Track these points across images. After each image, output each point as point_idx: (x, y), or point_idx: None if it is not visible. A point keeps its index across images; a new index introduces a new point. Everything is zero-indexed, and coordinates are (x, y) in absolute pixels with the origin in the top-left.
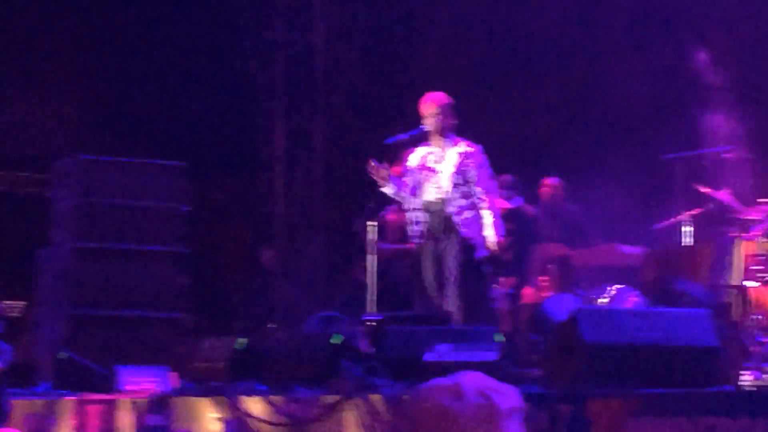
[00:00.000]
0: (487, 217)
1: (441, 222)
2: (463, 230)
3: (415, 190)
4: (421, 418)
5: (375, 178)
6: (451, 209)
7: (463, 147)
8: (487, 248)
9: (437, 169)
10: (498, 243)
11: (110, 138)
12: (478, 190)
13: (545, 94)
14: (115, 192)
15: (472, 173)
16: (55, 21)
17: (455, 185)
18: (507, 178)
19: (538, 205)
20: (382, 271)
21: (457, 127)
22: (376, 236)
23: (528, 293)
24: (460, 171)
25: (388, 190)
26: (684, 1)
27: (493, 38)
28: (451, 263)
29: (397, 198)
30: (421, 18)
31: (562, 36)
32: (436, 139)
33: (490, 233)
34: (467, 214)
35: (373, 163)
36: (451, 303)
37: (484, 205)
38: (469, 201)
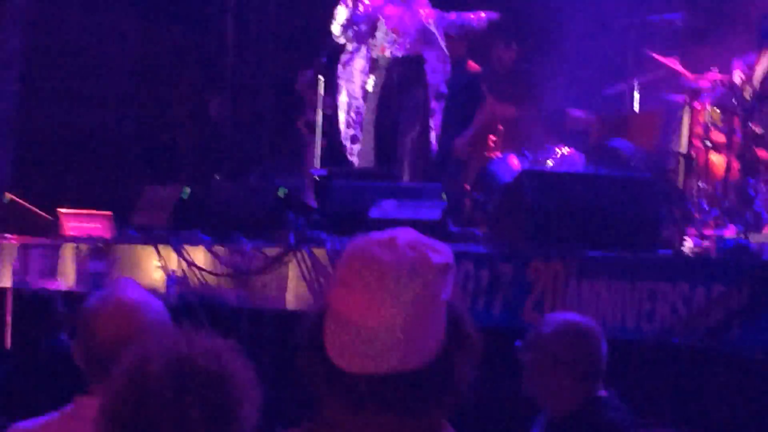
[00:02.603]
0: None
1: (402, 75)
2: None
3: (364, 39)
4: (354, 268)
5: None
6: (415, 60)
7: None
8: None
9: (402, 19)
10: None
11: None
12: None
13: None
14: (65, 35)
15: (440, 19)
16: None
17: (420, 36)
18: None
19: (488, 64)
20: (329, 125)
21: None
22: (323, 91)
23: (473, 150)
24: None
25: (343, 11)
26: None
27: None
28: (408, 118)
29: (342, 33)
30: None
31: None
32: None
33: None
34: (436, 66)
35: None
36: (401, 159)
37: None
38: (434, 52)
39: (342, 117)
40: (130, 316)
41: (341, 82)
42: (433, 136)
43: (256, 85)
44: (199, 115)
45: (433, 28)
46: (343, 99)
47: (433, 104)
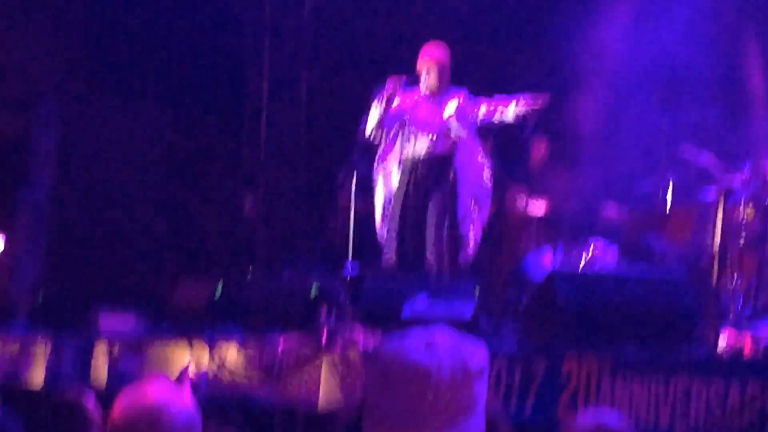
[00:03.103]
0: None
1: (428, 174)
2: (452, 181)
3: (394, 140)
4: (393, 373)
5: (388, 87)
6: (441, 160)
7: (456, 100)
8: (518, 111)
9: (431, 120)
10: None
11: (93, 79)
12: (490, 109)
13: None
14: (97, 134)
15: (470, 112)
16: None
17: (447, 136)
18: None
19: (520, 161)
20: (362, 221)
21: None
22: (355, 189)
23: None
24: (458, 117)
25: (375, 111)
26: None
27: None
28: (437, 216)
29: (373, 133)
30: None
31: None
32: (431, 90)
33: (511, 106)
34: (456, 163)
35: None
36: (432, 256)
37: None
38: (467, 149)
39: (378, 212)
40: (157, 419)
41: (378, 177)
42: (470, 235)
43: (289, 182)
44: (233, 212)
45: (461, 127)
46: (379, 194)
47: (473, 205)
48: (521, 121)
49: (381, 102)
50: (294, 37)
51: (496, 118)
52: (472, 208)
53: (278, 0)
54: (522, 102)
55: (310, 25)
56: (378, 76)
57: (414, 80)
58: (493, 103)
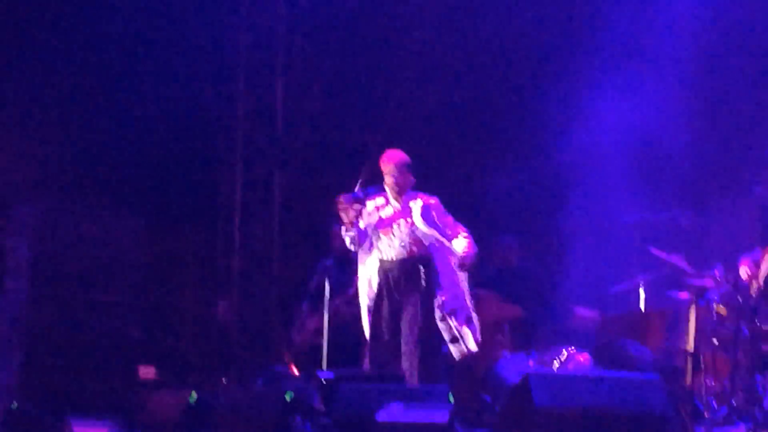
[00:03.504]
0: (461, 240)
1: (400, 277)
2: (424, 283)
3: (371, 246)
4: None
5: (343, 215)
6: (413, 263)
7: (420, 201)
8: (459, 258)
9: (398, 224)
10: (466, 255)
11: (68, 186)
12: (447, 233)
13: (501, 153)
14: (71, 241)
15: (437, 222)
16: (13, 68)
17: (417, 238)
18: (506, 239)
19: (490, 264)
20: (336, 327)
21: (417, 182)
22: (329, 294)
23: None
24: (424, 223)
25: (349, 234)
26: None
27: (455, 91)
28: (409, 321)
29: (352, 247)
30: (381, 71)
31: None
32: (394, 195)
33: (461, 244)
34: (430, 266)
35: (343, 199)
36: (406, 361)
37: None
38: (436, 253)
39: (365, 314)
40: None
41: (360, 281)
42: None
43: (263, 288)
44: (207, 319)
45: (429, 230)
46: (363, 296)
47: (451, 305)
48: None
49: (348, 227)
50: (266, 139)
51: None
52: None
53: (250, 110)
54: (463, 254)
55: (282, 132)
56: (349, 181)
57: (379, 188)
58: (448, 233)
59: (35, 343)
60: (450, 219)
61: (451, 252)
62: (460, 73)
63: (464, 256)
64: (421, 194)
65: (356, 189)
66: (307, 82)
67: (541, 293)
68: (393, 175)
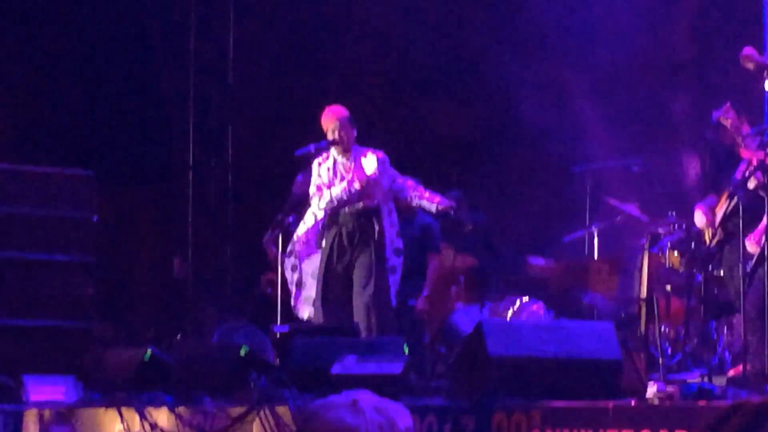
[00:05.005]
0: (425, 199)
1: (354, 231)
2: (377, 236)
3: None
4: None
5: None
6: (366, 216)
7: (370, 155)
8: (437, 210)
9: (349, 178)
10: (442, 205)
11: (17, 145)
12: (401, 186)
13: (456, 106)
14: (20, 201)
15: (388, 177)
16: None
17: (368, 192)
18: (454, 193)
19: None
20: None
21: (359, 138)
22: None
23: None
24: (376, 176)
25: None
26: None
27: (403, 51)
28: (363, 273)
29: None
30: (334, 27)
31: (472, 46)
32: (341, 151)
33: (430, 202)
34: (380, 218)
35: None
36: (360, 313)
37: (416, 194)
38: (386, 206)
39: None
40: None
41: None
42: (392, 291)
43: (217, 243)
44: (162, 275)
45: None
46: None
47: (393, 260)
48: (441, 214)
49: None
50: (219, 101)
51: (416, 203)
52: (399, 266)
53: (202, 65)
54: (440, 206)
55: (234, 88)
56: (301, 136)
57: (327, 148)
58: (416, 192)
59: None
60: (399, 175)
61: (392, 206)
62: (414, 26)
63: (445, 206)
64: (369, 149)
65: (310, 146)
66: (259, 33)
67: (494, 244)
68: (335, 130)
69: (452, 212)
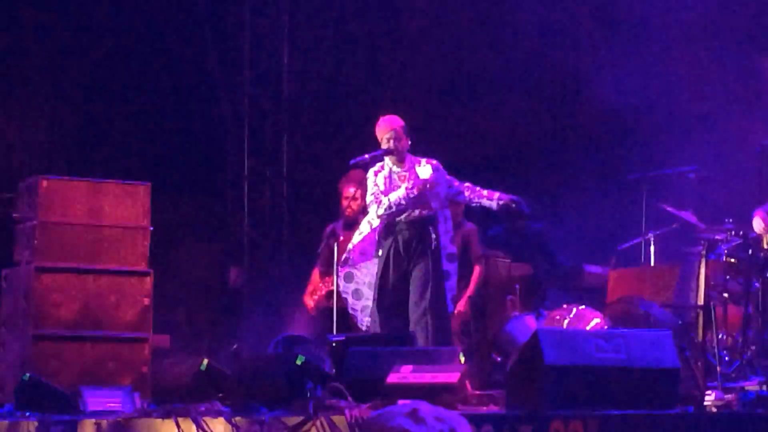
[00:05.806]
0: (484, 197)
1: (411, 240)
2: (434, 245)
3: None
4: None
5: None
6: (422, 224)
7: (424, 163)
8: (498, 205)
9: (407, 186)
10: (503, 199)
11: (77, 158)
12: (458, 189)
13: (512, 114)
14: (78, 212)
15: (444, 183)
16: (24, 44)
17: (425, 201)
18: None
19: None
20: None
21: (414, 146)
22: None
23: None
24: (432, 185)
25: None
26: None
27: (457, 59)
28: (420, 282)
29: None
30: (387, 37)
31: (531, 54)
32: (396, 161)
33: (490, 198)
34: (439, 226)
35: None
36: (417, 322)
37: (475, 195)
38: (442, 214)
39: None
40: None
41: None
42: (449, 297)
43: (273, 253)
44: (218, 286)
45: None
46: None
47: (447, 266)
48: (504, 209)
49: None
50: (274, 111)
51: (475, 203)
52: (454, 272)
53: (257, 77)
54: (500, 200)
55: (289, 99)
56: (355, 146)
57: (382, 158)
58: (474, 193)
59: (44, 315)
60: (453, 178)
61: (448, 214)
62: (468, 33)
63: (506, 200)
64: (423, 158)
65: (366, 156)
66: (312, 45)
67: (550, 252)
68: (390, 140)
69: (514, 205)
